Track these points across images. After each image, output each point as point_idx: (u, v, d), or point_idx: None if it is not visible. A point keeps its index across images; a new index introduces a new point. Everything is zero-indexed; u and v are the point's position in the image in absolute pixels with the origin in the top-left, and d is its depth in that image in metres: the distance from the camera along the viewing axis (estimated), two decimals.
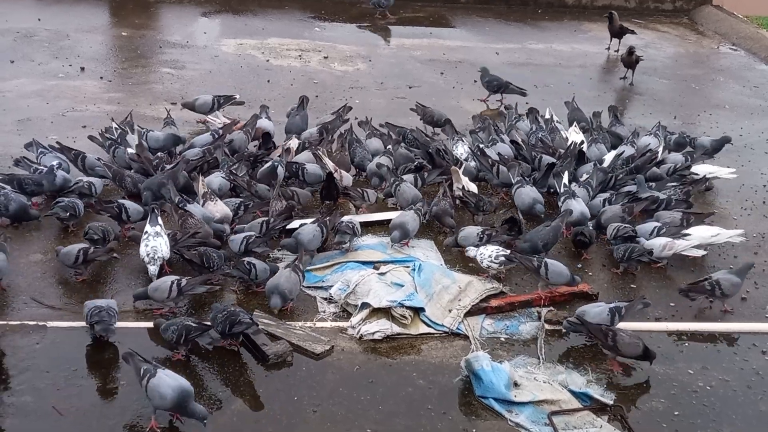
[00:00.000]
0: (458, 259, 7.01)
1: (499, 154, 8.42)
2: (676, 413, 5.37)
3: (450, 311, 6.19)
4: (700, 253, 7.12)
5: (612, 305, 5.94)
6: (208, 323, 5.59)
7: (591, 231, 7.17)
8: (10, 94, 10.02)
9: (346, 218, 7.06)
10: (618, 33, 13.60)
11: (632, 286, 6.81)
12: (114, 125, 8.49)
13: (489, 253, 6.56)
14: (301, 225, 6.92)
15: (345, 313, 6.18)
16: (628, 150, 8.70)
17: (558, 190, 7.79)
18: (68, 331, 5.69)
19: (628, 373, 5.70)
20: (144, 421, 4.95)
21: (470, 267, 6.87)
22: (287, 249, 6.76)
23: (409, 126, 9.16)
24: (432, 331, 6.03)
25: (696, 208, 7.84)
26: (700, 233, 7.26)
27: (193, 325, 5.49)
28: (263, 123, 8.92)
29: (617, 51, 13.52)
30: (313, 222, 6.87)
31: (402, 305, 6.06)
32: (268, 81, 11.18)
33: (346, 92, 11.03)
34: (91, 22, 13.41)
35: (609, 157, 8.55)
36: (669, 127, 9.62)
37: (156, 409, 4.90)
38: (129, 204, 7.04)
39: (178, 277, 6.00)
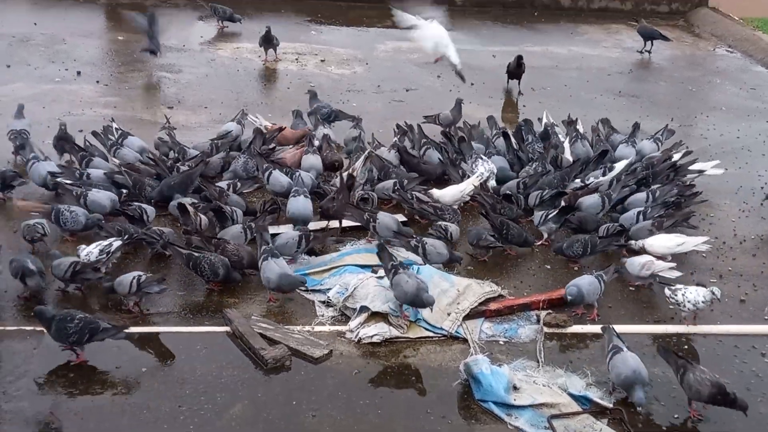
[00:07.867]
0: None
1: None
2: (675, 416, 5.36)
3: (449, 314, 6.17)
4: (675, 274, 6.63)
5: None
6: None
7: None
8: (5, 99, 9.98)
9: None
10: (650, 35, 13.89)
11: (630, 288, 6.79)
12: (114, 125, 8.46)
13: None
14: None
15: (343, 316, 6.17)
16: (627, 151, 8.70)
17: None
18: None
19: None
20: (144, 426, 4.93)
21: (468, 270, 6.86)
22: None
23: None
24: (431, 334, 6.02)
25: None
26: (664, 243, 7.01)
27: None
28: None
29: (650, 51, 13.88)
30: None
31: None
32: (265, 85, 11.16)
33: (343, 95, 11.02)
34: (87, 26, 13.43)
35: (620, 166, 8.30)
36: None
37: None
38: (149, 209, 7.10)
39: (140, 273, 6.05)
